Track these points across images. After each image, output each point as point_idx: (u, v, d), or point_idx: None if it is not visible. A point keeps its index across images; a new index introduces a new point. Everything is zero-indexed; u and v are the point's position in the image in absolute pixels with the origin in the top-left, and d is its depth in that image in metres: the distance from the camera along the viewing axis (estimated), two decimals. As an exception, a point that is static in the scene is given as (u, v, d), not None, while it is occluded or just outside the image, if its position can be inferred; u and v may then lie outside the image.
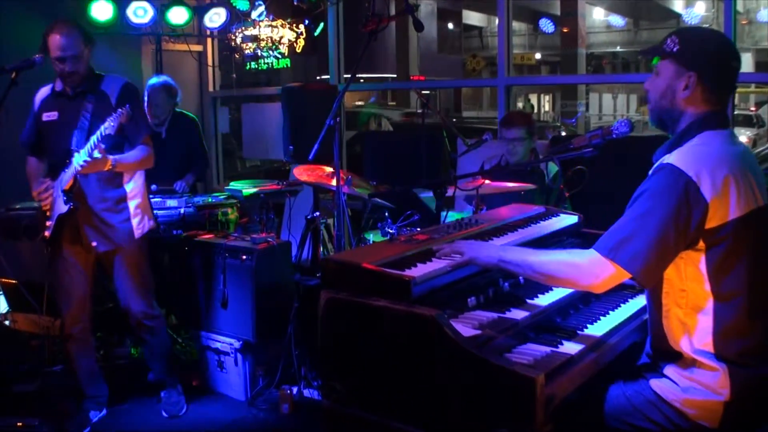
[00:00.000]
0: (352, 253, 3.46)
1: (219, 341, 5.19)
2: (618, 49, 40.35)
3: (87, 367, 4.85)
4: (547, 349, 2.64)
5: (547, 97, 41.88)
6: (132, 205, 4.64)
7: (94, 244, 4.54)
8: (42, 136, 4.59)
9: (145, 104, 6.29)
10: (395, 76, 26.81)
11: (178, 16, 7.66)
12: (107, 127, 4.15)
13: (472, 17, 39.64)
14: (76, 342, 4.75)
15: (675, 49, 2.66)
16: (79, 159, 4.24)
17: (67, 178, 4.34)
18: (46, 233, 4.53)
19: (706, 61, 2.63)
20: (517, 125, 5.24)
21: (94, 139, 4.20)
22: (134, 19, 7.36)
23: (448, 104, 35.84)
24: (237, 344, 5.08)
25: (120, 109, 4.17)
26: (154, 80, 6.44)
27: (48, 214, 4.52)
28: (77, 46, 4.39)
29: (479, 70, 26.26)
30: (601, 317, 3.02)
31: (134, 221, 4.64)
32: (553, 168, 5.06)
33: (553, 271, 2.66)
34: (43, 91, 4.66)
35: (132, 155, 4.52)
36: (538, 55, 39.37)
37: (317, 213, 5.53)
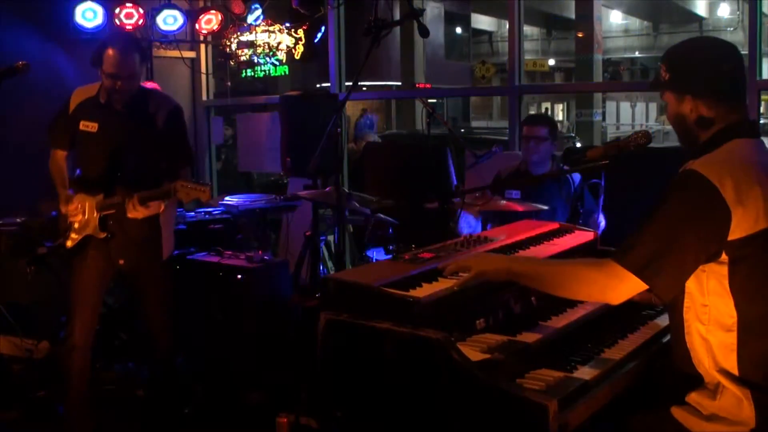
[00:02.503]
0: (353, 272, 3.46)
1: (215, 364, 5.20)
2: (636, 54, 40.42)
3: (83, 387, 4.80)
4: (561, 374, 2.64)
5: (560, 106, 41.92)
6: (164, 227, 4.70)
7: (121, 261, 4.59)
8: (77, 143, 4.64)
9: None
10: (399, 83, 26.81)
11: (169, 20, 7.69)
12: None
13: (482, 21, 39.72)
14: (78, 356, 4.70)
15: (667, 78, 2.71)
16: (132, 209, 4.38)
17: (108, 204, 4.43)
18: (68, 243, 4.58)
19: (695, 78, 2.66)
20: (541, 124, 5.31)
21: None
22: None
23: (456, 113, 35.88)
24: (233, 367, 5.09)
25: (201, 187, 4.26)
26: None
27: (75, 226, 4.55)
28: (134, 66, 4.45)
29: (489, 78, 26.28)
30: (619, 340, 3.01)
31: (164, 241, 4.70)
32: (575, 181, 5.08)
33: (567, 282, 2.66)
34: (82, 94, 4.68)
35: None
36: (551, 61, 39.43)
37: (317, 230, 5.54)
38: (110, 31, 7.18)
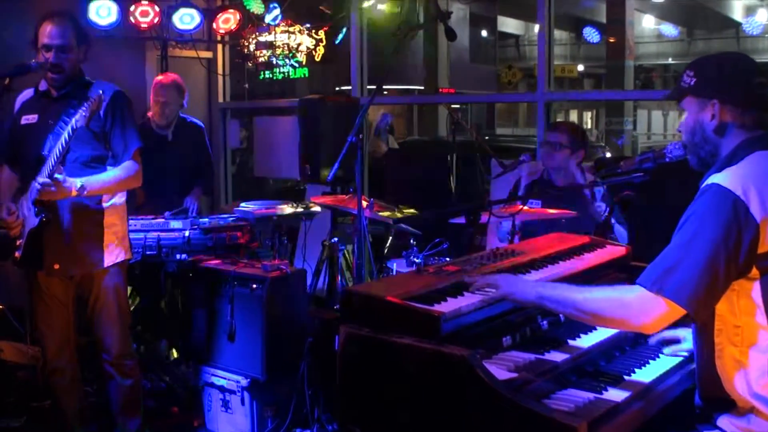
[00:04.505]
0: (375, 285, 3.49)
1: (224, 378, 5.20)
2: (670, 61, 40.29)
3: (74, 403, 4.86)
4: (590, 395, 2.64)
5: (589, 114, 41.83)
6: (107, 229, 4.63)
7: (56, 266, 4.52)
8: (18, 141, 4.61)
9: (151, 102, 6.40)
10: (422, 88, 26.82)
11: (185, 19, 7.74)
12: (78, 119, 4.10)
13: (509, 24, 39.71)
14: (60, 376, 4.76)
15: (692, 83, 2.73)
16: (33, 189, 4.25)
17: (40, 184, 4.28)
18: (17, 254, 4.53)
19: (725, 84, 2.68)
20: (559, 130, 5.32)
21: (60, 144, 4.16)
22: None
23: (480, 120, 35.85)
24: (244, 382, 5.09)
25: (92, 96, 4.15)
26: (162, 77, 6.55)
27: (19, 233, 4.51)
28: (66, 38, 4.42)
29: (515, 83, 26.23)
30: (650, 361, 3.01)
31: (106, 247, 4.61)
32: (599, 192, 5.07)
33: (599, 310, 2.65)
34: (26, 93, 4.69)
35: (109, 176, 4.49)
36: (580, 67, 39.36)
37: (335, 239, 5.55)
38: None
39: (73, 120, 4.13)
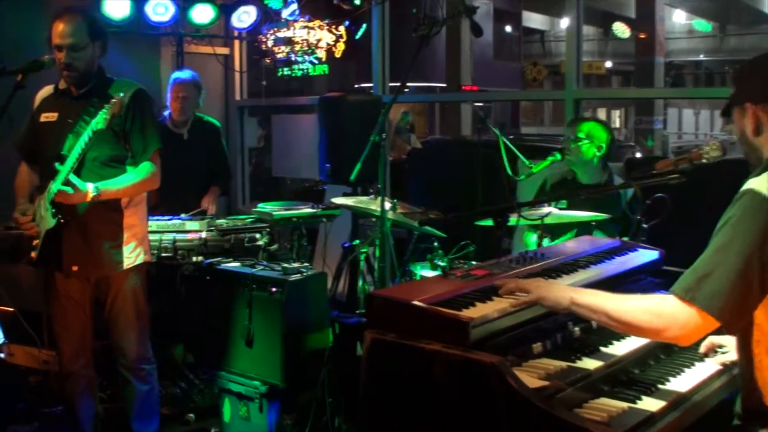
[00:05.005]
0: (400, 289, 3.48)
1: (242, 384, 5.19)
2: (701, 57, 40.14)
3: (89, 409, 4.89)
4: (624, 405, 2.63)
5: (617, 112, 41.72)
6: (127, 231, 4.67)
7: (74, 268, 4.56)
8: (36, 139, 4.65)
9: (169, 100, 6.42)
10: (444, 85, 26.81)
11: (202, 14, 7.76)
12: (98, 121, 4.16)
13: (533, 19, 39.67)
14: (76, 381, 4.79)
15: (733, 93, 2.75)
16: (55, 185, 4.29)
17: (55, 189, 4.33)
18: (33, 254, 4.56)
19: (756, 84, 2.68)
20: (575, 123, 5.40)
21: (79, 146, 4.22)
22: (153, 17, 7.47)
23: (504, 118, 35.81)
24: (262, 388, 5.08)
25: (113, 98, 4.20)
26: (182, 73, 6.59)
27: (35, 233, 4.54)
28: (78, 36, 4.44)
29: (541, 80, 26.22)
30: (686, 369, 3.00)
31: (125, 249, 4.66)
32: (627, 192, 5.06)
33: (633, 320, 2.64)
34: (46, 90, 4.73)
35: (125, 180, 4.53)
36: (608, 64, 39.28)
37: (357, 241, 5.54)
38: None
39: (93, 122, 4.17)
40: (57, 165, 4.31)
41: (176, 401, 5.84)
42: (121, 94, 4.24)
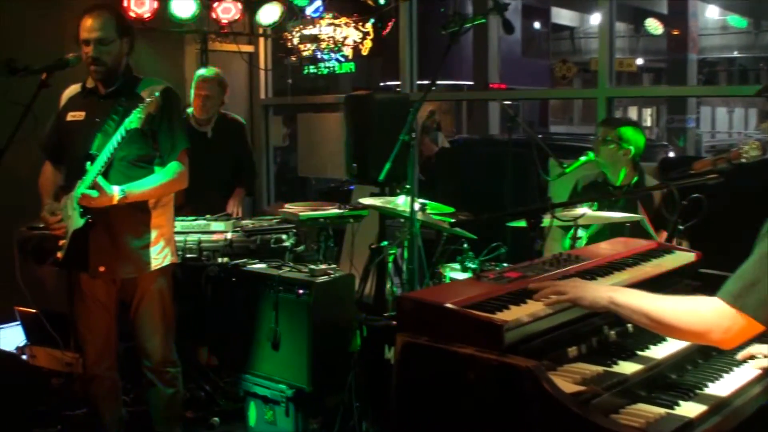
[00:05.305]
0: (432, 291, 3.47)
1: (267, 388, 5.22)
2: (735, 54, 39.87)
3: (113, 412, 4.92)
4: (662, 410, 2.61)
5: (649, 111, 41.52)
6: (155, 231, 4.69)
7: (101, 269, 4.58)
8: (63, 138, 4.67)
9: (192, 97, 6.45)
10: (472, 83, 26.77)
11: (226, 11, 7.78)
12: (132, 120, 4.20)
13: (563, 16, 39.56)
14: (100, 383, 4.83)
15: None
16: (82, 185, 4.31)
17: (81, 190, 4.36)
18: (59, 254, 4.58)
19: None
20: (606, 124, 5.40)
21: (111, 144, 4.26)
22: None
23: (532, 117, 35.72)
24: (289, 392, 5.11)
25: (148, 98, 4.23)
26: (206, 71, 6.62)
27: (62, 233, 4.56)
28: (106, 30, 4.48)
29: (570, 78, 26.10)
30: (724, 374, 2.97)
31: (153, 250, 4.68)
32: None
33: (675, 321, 2.63)
34: (73, 89, 4.76)
35: (152, 181, 4.55)
36: (639, 61, 39.10)
37: (385, 242, 5.54)
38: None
39: (127, 121, 4.19)
40: (87, 165, 4.33)
41: (200, 404, 5.86)
42: (157, 94, 4.27)
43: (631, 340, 3.04)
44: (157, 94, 4.27)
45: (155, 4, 7.30)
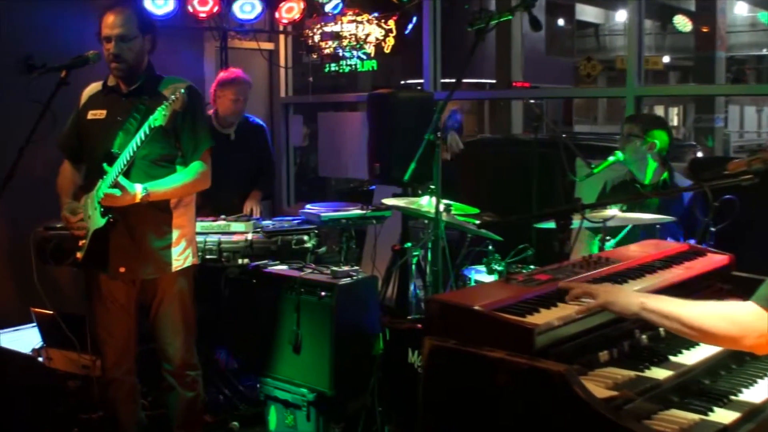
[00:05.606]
0: (460, 294, 3.49)
1: (288, 391, 5.24)
2: (765, 51, 39.65)
3: (132, 416, 4.94)
4: (695, 416, 2.61)
5: (675, 110, 41.33)
6: (176, 231, 4.71)
7: (122, 269, 4.60)
8: (83, 137, 4.70)
9: (213, 97, 6.47)
10: (494, 81, 26.69)
11: (246, 8, 7.80)
12: (156, 118, 4.20)
13: (587, 12, 39.41)
14: (119, 387, 4.85)
15: None
16: (104, 184, 4.33)
17: (104, 190, 4.37)
18: (78, 254, 4.61)
19: None
20: (630, 121, 5.42)
21: (134, 142, 4.27)
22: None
23: (556, 116, 35.60)
24: (310, 396, 5.12)
25: (172, 96, 4.24)
26: (238, 74, 6.60)
27: (83, 233, 4.58)
28: (128, 27, 4.50)
29: (595, 76, 25.96)
30: (758, 380, 2.96)
31: (174, 251, 4.70)
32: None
33: (709, 327, 2.63)
34: (93, 86, 4.78)
35: (174, 181, 4.57)
36: (665, 59, 38.91)
37: (408, 243, 5.54)
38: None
39: (152, 118, 4.20)
40: (106, 165, 4.35)
41: (219, 408, 5.87)
42: (183, 91, 4.27)
43: (662, 345, 3.04)
44: (183, 91, 4.27)
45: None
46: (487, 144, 18.51)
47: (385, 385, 4.99)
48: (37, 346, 6.23)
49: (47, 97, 4.35)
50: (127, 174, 4.34)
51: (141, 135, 4.26)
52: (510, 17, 4.91)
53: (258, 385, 5.46)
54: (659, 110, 38.23)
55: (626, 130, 5.33)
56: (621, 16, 37.51)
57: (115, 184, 4.27)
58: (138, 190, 4.34)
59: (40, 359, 6.08)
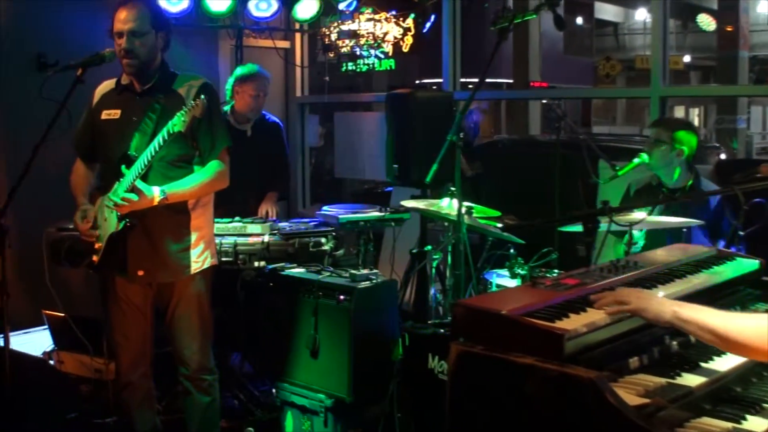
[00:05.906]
0: (486, 298, 3.49)
1: (305, 397, 5.22)
2: (788, 51, 39.55)
3: (147, 421, 4.95)
4: (728, 424, 2.60)
5: (696, 110, 41.22)
6: (194, 233, 4.71)
7: (140, 273, 4.60)
8: (97, 137, 4.69)
9: (233, 94, 6.48)
10: (512, 81, 26.65)
11: (262, 6, 7.83)
12: (176, 123, 4.21)
13: (606, 11, 39.34)
14: (134, 391, 4.85)
15: None
16: (120, 189, 4.33)
17: (120, 194, 4.36)
18: (95, 257, 4.61)
19: None
20: (656, 125, 5.45)
21: (153, 147, 4.27)
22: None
23: (575, 117, 35.53)
24: (328, 402, 5.10)
25: (192, 101, 4.24)
26: (257, 69, 6.60)
27: (98, 235, 4.58)
28: (140, 22, 4.48)
29: (614, 76, 25.92)
30: (792, 387, 2.97)
31: (193, 252, 4.70)
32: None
33: (742, 339, 2.62)
34: (106, 85, 4.77)
35: (192, 181, 4.57)
36: (686, 58, 38.80)
37: (428, 247, 5.54)
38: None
39: (170, 124, 4.20)
40: (123, 168, 4.36)
41: (235, 414, 5.88)
42: (203, 97, 4.28)
43: (693, 351, 3.02)
44: (203, 96, 4.28)
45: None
46: (506, 145, 18.52)
47: (405, 392, 4.97)
48: (48, 349, 6.26)
49: (59, 95, 4.36)
50: (144, 176, 4.34)
51: (159, 140, 4.26)
52: (534, 16, 4.92)
53: (274, 390, 5.44)
54: (680, 111, 38.14)
55: (654, 134, 5.33)
56: (641, 14, 37.46)
57: (132, 189, 4.28)
58: (156, 193, 4.34)
59: (52, 362, 6.10)
